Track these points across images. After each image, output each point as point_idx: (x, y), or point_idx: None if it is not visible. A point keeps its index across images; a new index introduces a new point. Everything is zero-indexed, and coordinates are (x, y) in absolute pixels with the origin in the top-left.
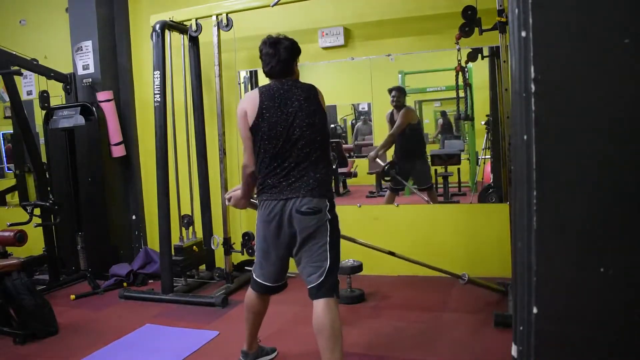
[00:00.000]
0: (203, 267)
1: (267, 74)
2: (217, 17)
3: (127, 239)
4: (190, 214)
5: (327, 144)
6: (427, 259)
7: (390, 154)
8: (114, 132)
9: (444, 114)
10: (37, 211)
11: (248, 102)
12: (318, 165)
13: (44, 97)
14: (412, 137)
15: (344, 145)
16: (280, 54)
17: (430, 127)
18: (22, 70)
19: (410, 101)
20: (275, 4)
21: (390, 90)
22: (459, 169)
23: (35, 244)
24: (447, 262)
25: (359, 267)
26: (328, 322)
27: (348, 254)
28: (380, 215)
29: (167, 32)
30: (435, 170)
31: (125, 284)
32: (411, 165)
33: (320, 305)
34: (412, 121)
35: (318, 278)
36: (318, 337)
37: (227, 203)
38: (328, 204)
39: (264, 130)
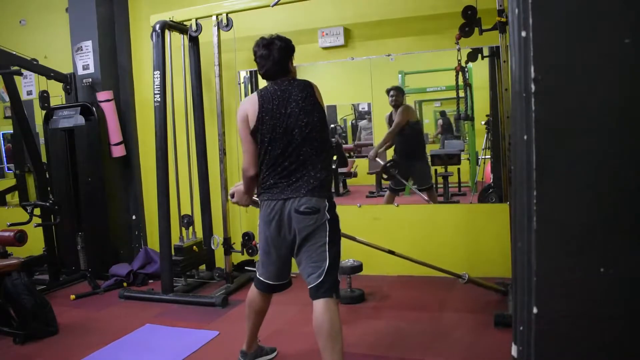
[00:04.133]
0: (203, 267)
1: (262, 76)
2: (217, 17)
3: (127, 239)
4: (190, 214)
5: (326, 142)
6: (427, 258)
7: (390, 154)
8: (114, 132)
9: (443, 113)
10: (37, 211)
11: (248, 106)
12: (317, 165)
13: (44, 97)
14: (412, 136)
15: (344, 146)
16: (274, 55)
17: (430, 127)
18: (22, 70)
19: (410, 101)
20: (275, 4)
21: (388, 91)
22: (459, 169)
23: (35, 244)
24: (447, 262)
25: (359, 267)
26: (327, 322)
27: (348, 254)
28: (380, 215)
29: (167, 32)
30: (435, 170)
31: (125, 284)
32: (411, 165)
33: (319, 305)
34: (411, 119)
35: (317, 278)
36: (318, 337)
37: (231, 200)
38: (327, 204)
39: (264, 133)
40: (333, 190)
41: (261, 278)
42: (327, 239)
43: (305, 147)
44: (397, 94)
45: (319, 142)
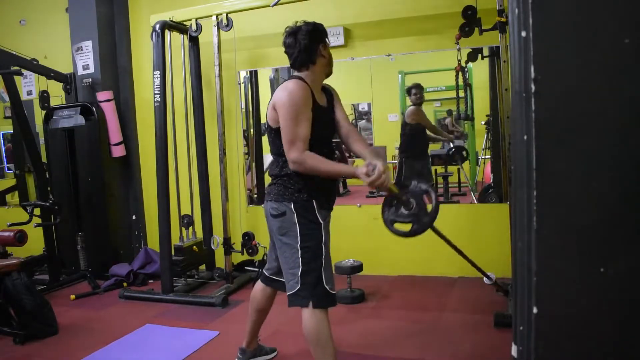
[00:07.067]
0: (203, 267)
1: (291, 66)
2: (217, 17)
3: (127, 239)
4: (190, 214)
5: (277, 147)
6: (427, 258)
7: (390, 155)
8: (114, 132)
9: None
10: (37, 211)
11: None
12: (283, 168)
13: (44, 97)
14: (418, 137)
15: (343, 146)
16: (300, 41)
17: None
18: (22, 70)
19: (409, 101)
20: (275, 4)
21: (409, 89)
22: (459, 169)
23: (35, 244)
24: (446, 262)
25: (359, 267)
26: (313, 331)
27: (348, 254)
28: (380, 215)
29: (167, 32)
30: (435, 170)
31: (125, 284)
32: (413, 164)
33: (305, 314)
34: (421, 121)
35: (294, 286)
36: (308, 345)
37: (377, 183)
38: (293, 206)
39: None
40: (307, 193)
41: (263, 269)
42: (299, 244)
43: (271, 148)
44: (421, 91)
45: (273, 146)
